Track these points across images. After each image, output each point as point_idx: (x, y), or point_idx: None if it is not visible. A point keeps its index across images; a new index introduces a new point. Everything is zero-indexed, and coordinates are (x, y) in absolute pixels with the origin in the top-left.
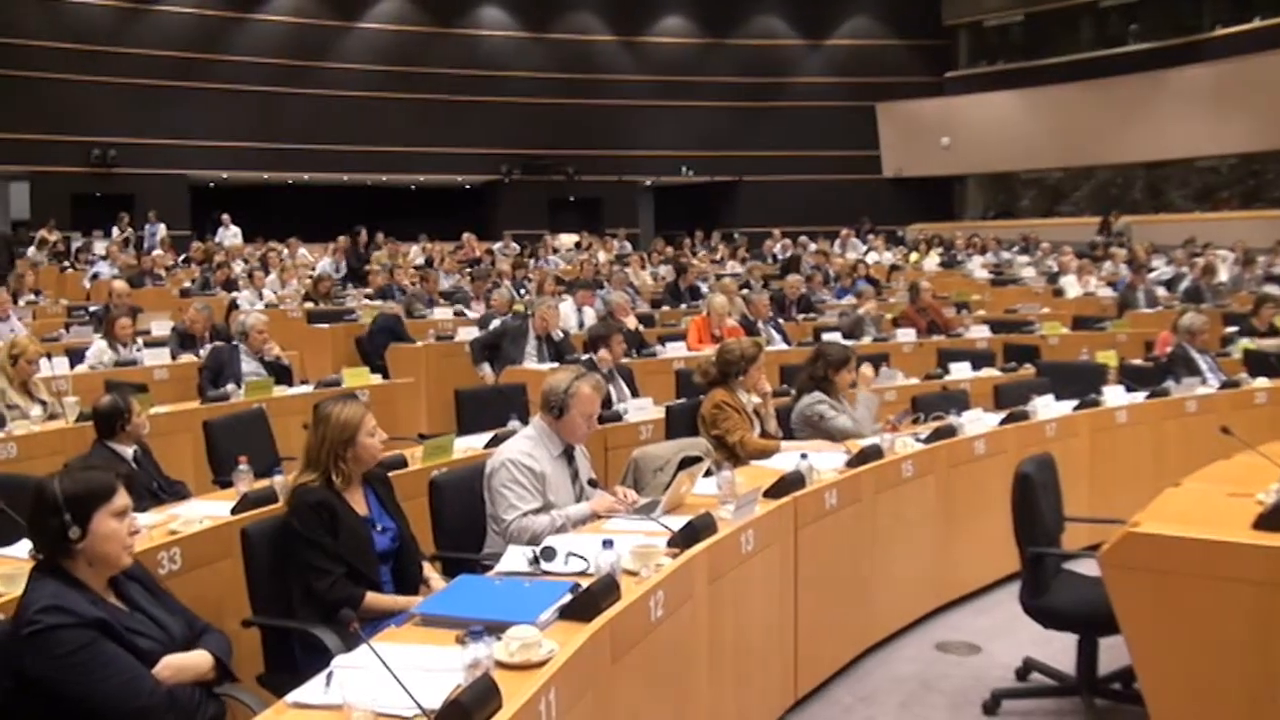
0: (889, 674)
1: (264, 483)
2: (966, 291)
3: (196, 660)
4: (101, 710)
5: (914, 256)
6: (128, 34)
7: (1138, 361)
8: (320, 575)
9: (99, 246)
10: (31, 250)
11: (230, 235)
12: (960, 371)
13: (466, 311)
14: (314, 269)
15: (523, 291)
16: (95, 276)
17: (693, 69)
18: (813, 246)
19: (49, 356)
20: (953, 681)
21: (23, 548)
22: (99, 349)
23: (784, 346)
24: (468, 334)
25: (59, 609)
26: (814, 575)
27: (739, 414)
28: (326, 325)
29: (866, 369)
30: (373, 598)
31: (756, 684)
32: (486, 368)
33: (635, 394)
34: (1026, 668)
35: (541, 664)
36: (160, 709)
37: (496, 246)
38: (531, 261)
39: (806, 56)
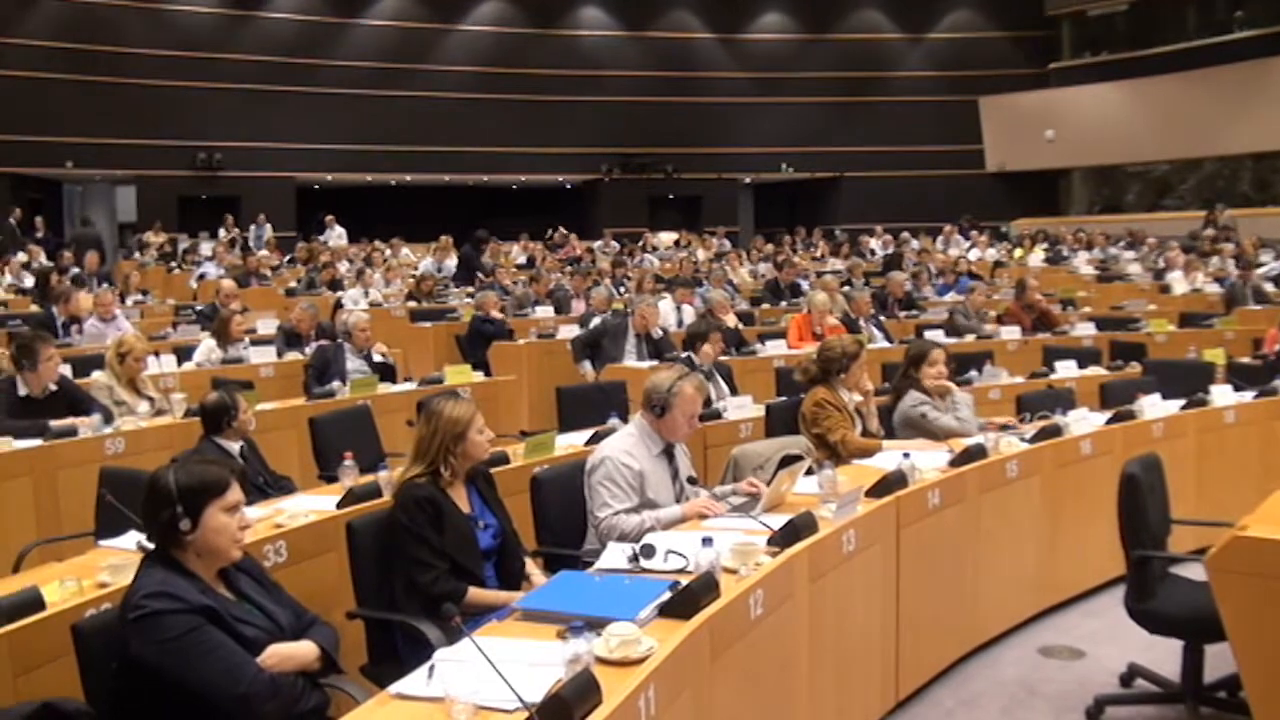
0: (992, 678)
1: (368, 478)
2: (1072, 288)
3: (302, 650)
4: (204, 694)
5: (1018, 252)
6: (232, 40)
7: (1246, 360)
8: (424, 569)
9: (205, 248)
10: (138, 252)
11: (335, 236)
12: (1066, 370)
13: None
14: (417, 268)
15: (622, 290)
16: (202, 277)
17: (792, 65)
18: (915, 243)
19: (156, 354)
20: (1056, 686)
21: (130, 539)
22: (207, 347)
23: (886, 344)
24: (569, 332)
25: (166, 595)
26: (916, 576)
27: (840, 412)
28: (429, 324)
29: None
30: (475, 593)
31: (857, 686)
32: (587, 365)
33: (734, 392)
34: (1131, 674)
35: (641, 661)
36: (262, 696)
37: (596, 245)
38: (630, 260)
39: (907, 50)
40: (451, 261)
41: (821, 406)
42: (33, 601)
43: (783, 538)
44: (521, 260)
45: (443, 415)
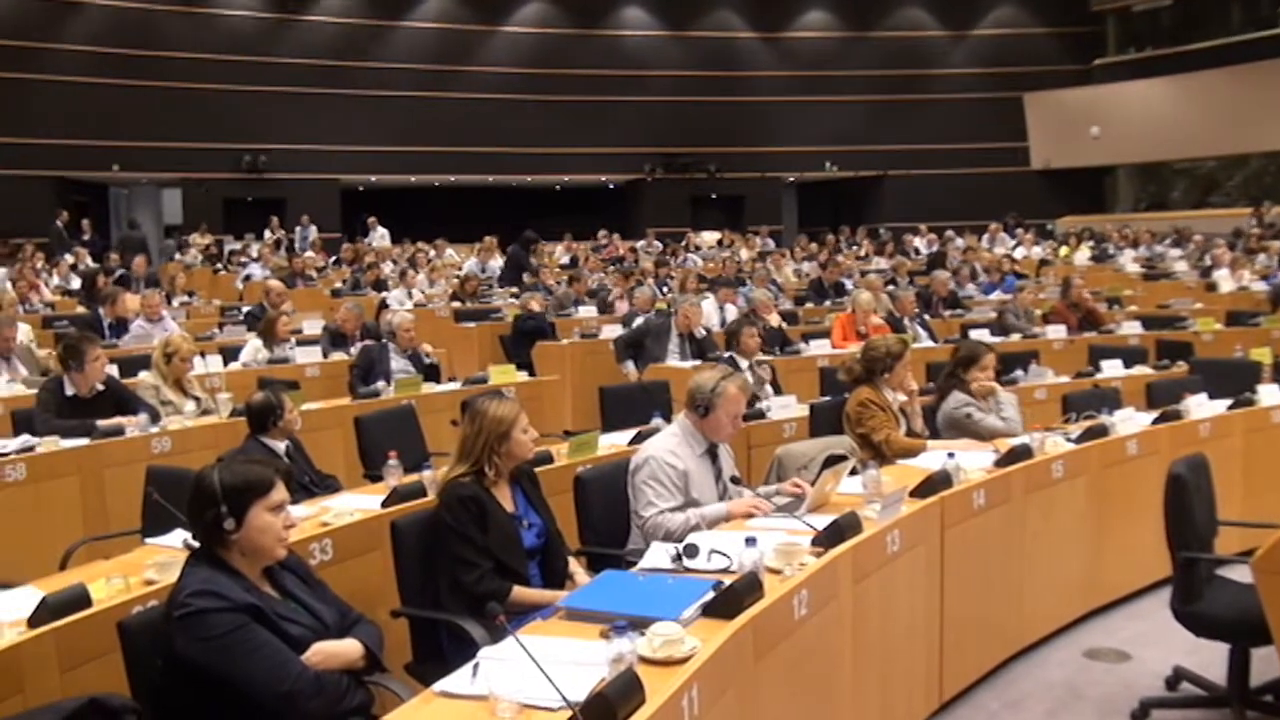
0: (1037, 680)
1: (413, 477)
2: (1118, 286)
3: (346, 648)
4: (249, 692)
5: (1064, 250)
6: (277, 43)
7: None
8: (468, 568)
9: (253, 249)
10: (179, 254)
11: (379, 237)
12: (1112, 369)
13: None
14: (461, 269)
15: (665, 290)
16: (248, 278)
17: (835, 63)
18: (960, 242)
19: (203, 355)
20: (1101, 689)
21: (176, 537)
22: (253, 347)
23: (931, 344)
24: (612, 332)
25: (210, 593)
26: (961, 577)
27: (884, 412)
28: (473, 324)
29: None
30: (519, 591)
31: (901, 687)
32: (630, 365)
33: (778, 391)
34: (1176, 677)
35: (684, 660)
36: (306, 693)
37: (639, 245)
38: (674, 259)
39: (951, 48)
40: (495, 262)
41: (866, 406)
42: (79, 598)
43: (827, 538)
44: (565, 260)
45: (487, 415)
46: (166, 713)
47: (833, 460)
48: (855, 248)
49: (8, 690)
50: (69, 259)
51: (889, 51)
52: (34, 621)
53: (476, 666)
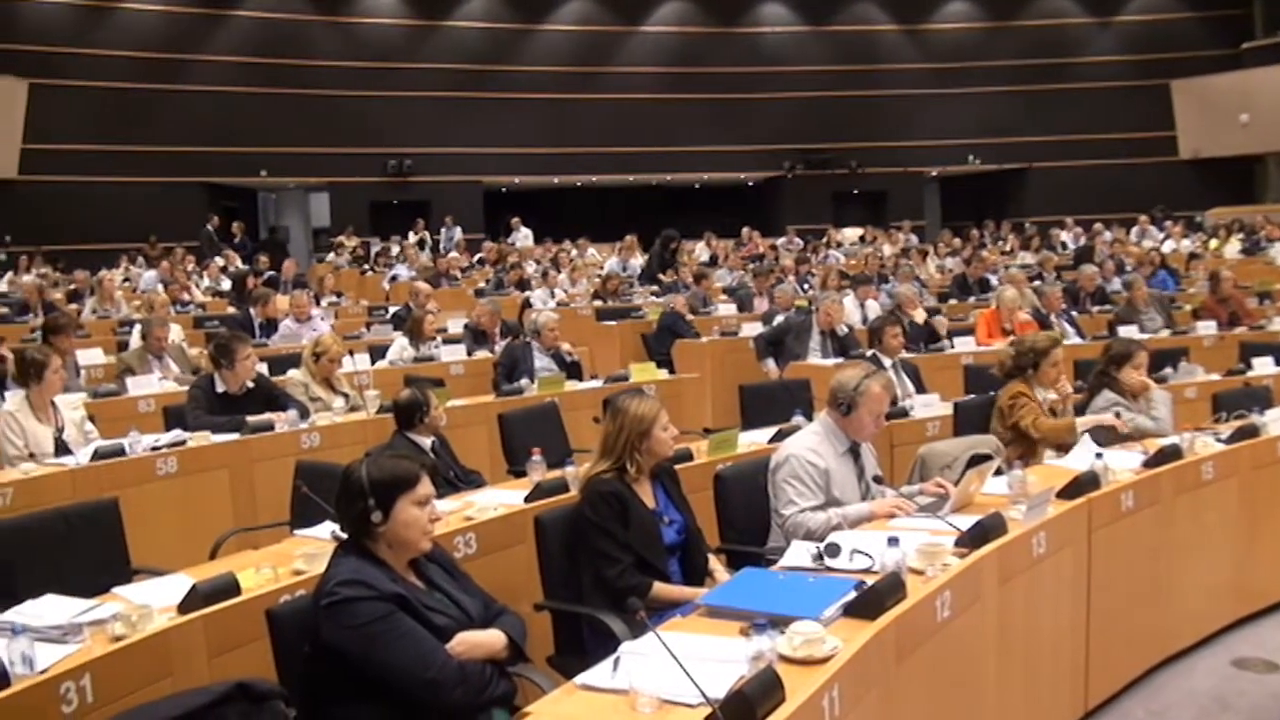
0: (1183, 689)
1: (556, 473)
2: (1270, 280)
3: (490, 639)
4: (393, 679)
5: (1213, 243)
6: (421, 50)
7: None
8: (610, 563)
9: (394, 250)
10: (332, 256)
11: (522, 237)
12: (1263, 367)
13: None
14: (602, 268)
15: (806, 287)
16: (394, 279)
17: (977, 54)
18: (1107, 235)
19: (351, 353)
20: (1249, 700)
21: (324, 529)
22: (400, 345)
23: (1078, 341)
24: (752, 330)
25: (358, 582)
26: (1108, 581)
27: (1035, 403)
28: (614, 322)
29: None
30: (660, 588)
31: (1045, 692)
32: (771, 363)
33: (920, 389)
34: None
35: (825, 660)
36: (450, 682)
37: (780, 242)
38: (814, 256)
39: (1095, 34)
40: (636, 261)
41: (1016, 398)
42: (229, 587)
43: (971, 539)
44: (705, 258)
45: (629, 412)
46: (313, 699)
47: (977, 460)
48: (1000, 242)
49: (157, 673)
50: (219, 262)
51: (1031, 40)
52: (184, 608)
53: (617, 660)
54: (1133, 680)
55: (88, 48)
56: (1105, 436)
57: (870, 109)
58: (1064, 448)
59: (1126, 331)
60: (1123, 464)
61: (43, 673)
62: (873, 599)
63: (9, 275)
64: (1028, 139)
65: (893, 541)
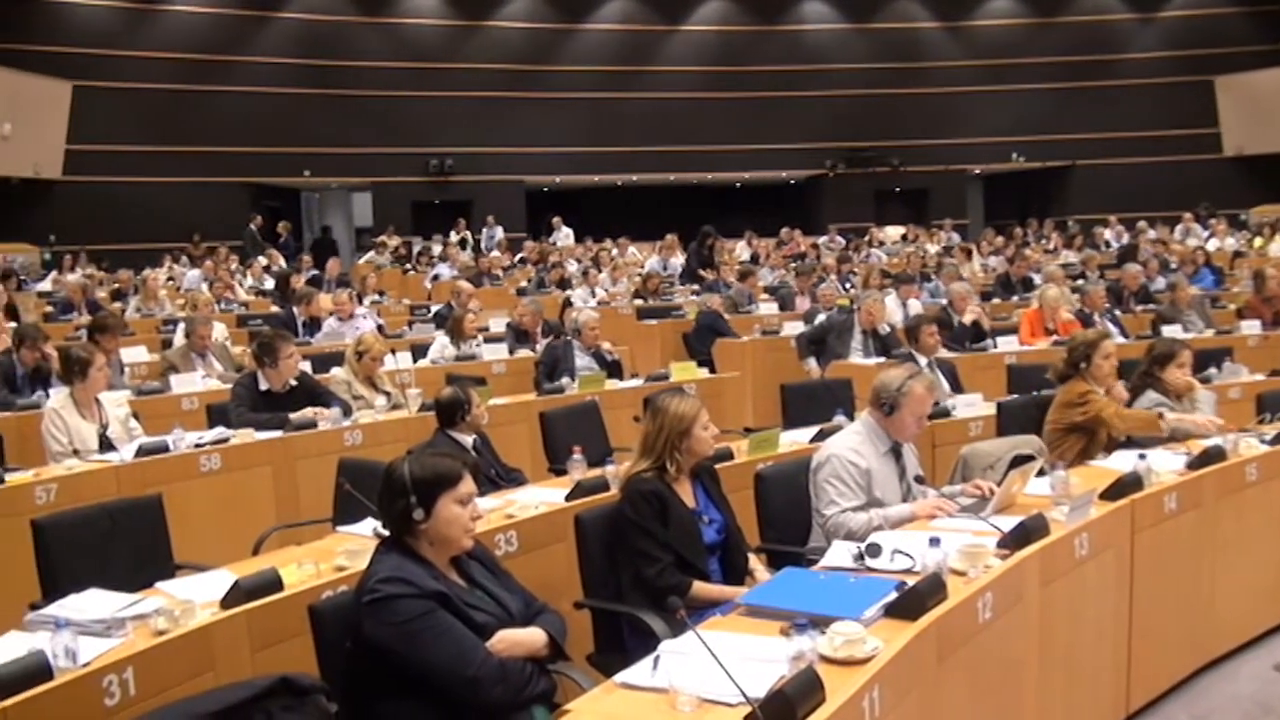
0: (1226, 693)
1: (596, 472)
2: None
3: (530, 637)
4: (433, 676)
5: (1258, 242)
6: (462, 50)
7: None
8: (650, 562)
9: (437, 249)
10: (372, 253)
11: (563, 236)
12: None
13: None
14: (643, 267)
15: (848, 286)
16: (436, 278)
17: (1020, 51)
18: (1151, 233)
19: (393, 352)
20: None
21: (367, 526)
22: (441, 344)
23: (1121, 340)
24: (793, 329)
25: (399, 580)
26: (1150, 584)
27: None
28: (655, 321)
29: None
30: (699, 586)
31: (1086, 695)
32: (812, 362)
33: (957, 389)
34: None
35: (866, 661)
36: (490, 679)
37: (821, 241)
38: (856, 255)
39: (1138, 31)
40: (676, 260)
41: (1084, 395)
42: (272, 582)
43: (1013, 540)
44: (746, 256)
45: (669, 411)
46: (354, 694)
47: (1020, 460)
48: (1043, 241)
49: (200, 667)
50: (262, 261)
51: (1075, 37)
52: (227, 603)
53: (657, 659)
54: (1175, 684)
55: (131, 49)
56: (1148, 438)
57: (913, 106)
58: (1149, 441)
59: (1170, 331)
60: (1166, 465)
61: (85, 666)
62: (914, 600)
63: (54, 274)
64: (1071, 136)
65: (934, 542)
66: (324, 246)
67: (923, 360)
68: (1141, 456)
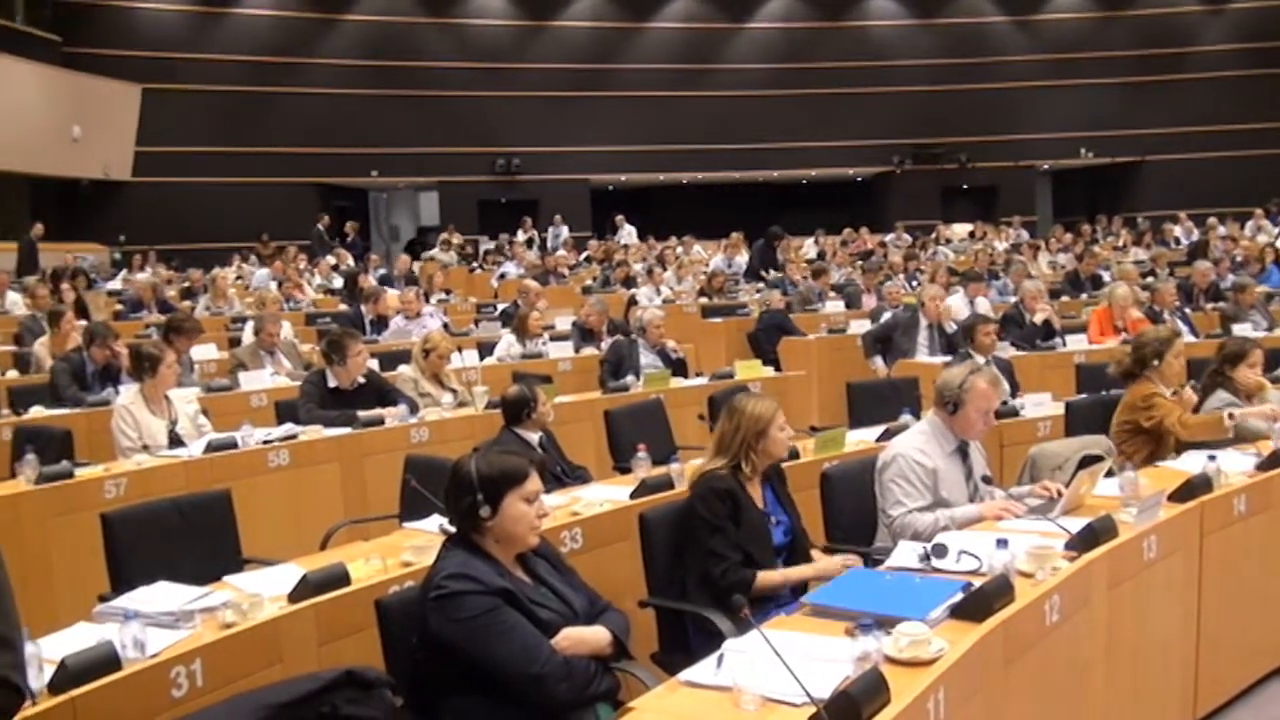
0: None
1: (660, 470)
2: None
3: (595, 635)
4: (499, 672)
5: None
6: (529, 50)
7: None
8: (718, 560)
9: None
10: (436, 251)
11: (626, 235)
12: None
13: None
14: (708, 265)
15: (915, 284)
16: (503, 276)
17: (1088, 44)
18: (1221, 230)
19: (459, 350)
20: None
21: (433, 522)
22: (507, 342)
23: (1192, 339)
24: (860, 327)
25: (466, 576)
26: (1219, 587)
27: (1171, 402)
28: (720, 319)
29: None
30: (763, 576)
31: (1154, 701)
32: (879, 361)
33: (1015, 388)
34: None
35: (931, 662)
36: (555, 676)
37: (888, 238)
38: (923, 253)
39: (1209, 22)
40: (741, 258)
41: (1150, 398)
42: (339, 577)
43: (1081, 541)
44: (812, 254)
45: (746, 412)
46: (420, 688)
47: (1088, 461)
48: (1112, 238)
49: (268, 659)
50: (330, 260)
51: (1144, 30)
52: (295, 597)
53: (721, 657)
54: (1243, 690)
55: (200, 53)
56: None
57: (980, 102)
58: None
59: (1239, 329)
60: (1235, 467)
61: (154, 657)
62: (980, 601)
63: (123, 274)
64: (1140, 131)
65: (1001, 543)
66: (421, 249)
67: (980, 359)
68: (1211, 458)
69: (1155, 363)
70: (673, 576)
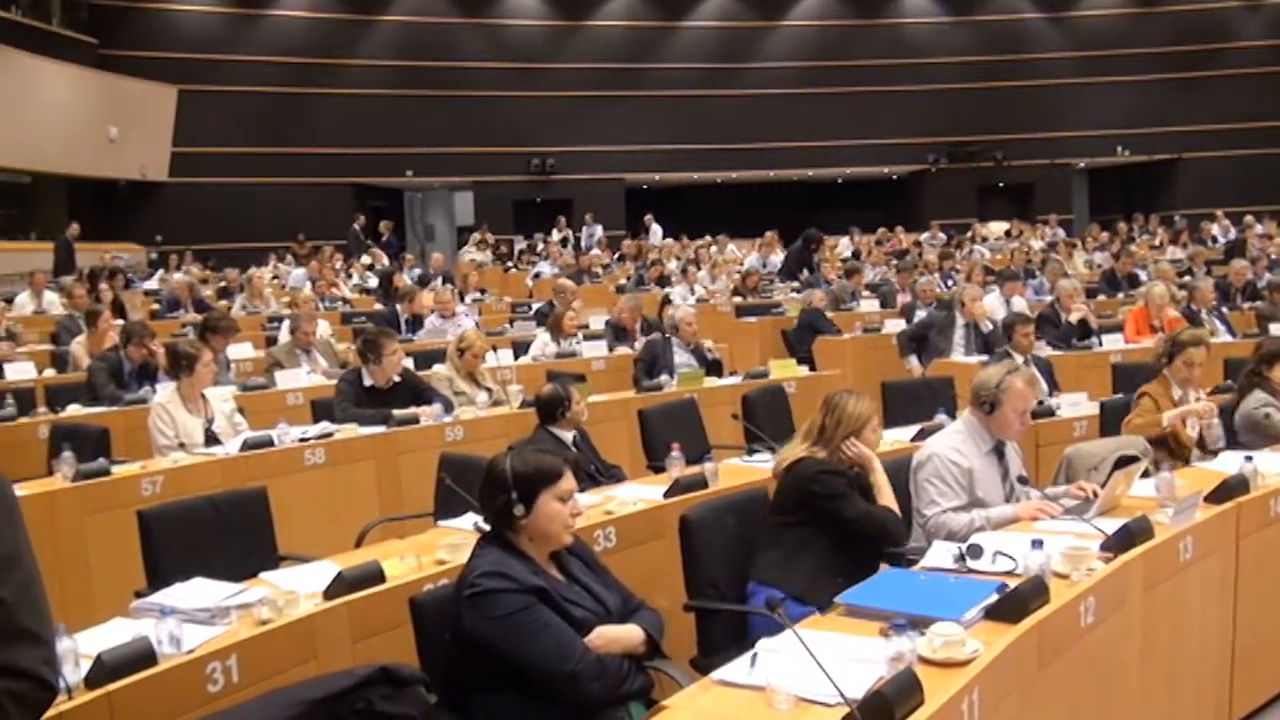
0: None
1: (694, 469)
2: None
3: (628, 633)
4: (532, 670)
5: None
6: (562, 50)
7: None
8: (853, 514)
9: (542, 248)
10: (471, 248)
11: (654, 234)
12: None
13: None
14: (742, 264)
15: (950, 283)
16: (537, 275)
17: (1124, 41)
18: (1259, 228)
19: (494, 349)
20: None
21: (468, 520)
22: (542, 341)
23: (1229, 338)
24: (894, 326)
25: (500, 574)
26: (1256, 589)
27: (1155, 402)
28: (754, 318)
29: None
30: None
31: (1189, 704)
32: (914, 360)
33: (1054, 388)
34: None
35: (965, 663)
36: (588, 675)
37: (923, 237)
38: (959, 251)
39: (1247, 18)
40: (776, 257)
41: (1141, 397)
42: (374, 574)
43: (1117, 543)
44: (846, 254)
45: (847, 409)
46: (453, 685)
47: (1125, 461)
48: (1149, 236)
49: (302, 656)
50: (366, 259)
51: (1180, 26)
52: (330, 594)
53: (755, 656)
54: (1279, 694)
55: (235, 54)
56: (1254, 437)
57: (1015, 100)
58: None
59: (1276, 329)
60: (1272, 468)
61: (190, 653)
62: (1015, 602)
63: (160, 273)
64: (1177, 129)
65: (1037, 544)
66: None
67: (1019, 359)
68: (1248, 459)
69: (1165, 361)
70: (708, 576)
